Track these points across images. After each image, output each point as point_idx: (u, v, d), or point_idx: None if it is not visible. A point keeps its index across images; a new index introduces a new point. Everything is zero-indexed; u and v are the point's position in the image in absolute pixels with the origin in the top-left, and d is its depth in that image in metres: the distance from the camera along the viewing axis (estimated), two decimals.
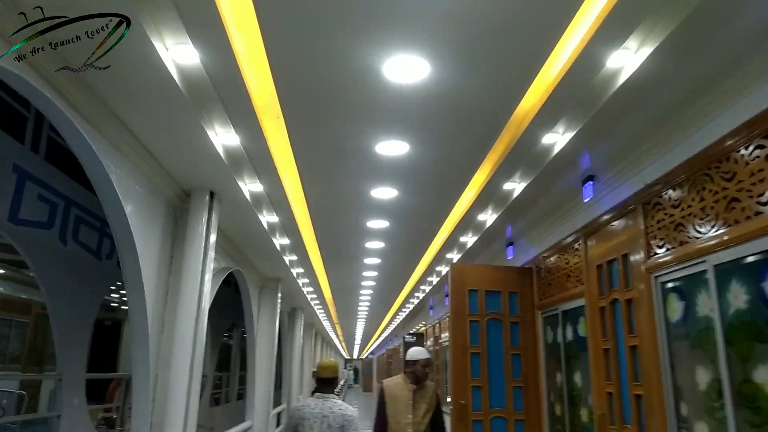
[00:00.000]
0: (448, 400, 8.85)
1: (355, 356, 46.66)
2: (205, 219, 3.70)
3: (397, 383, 4.01)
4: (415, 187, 4.29)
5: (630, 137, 3.10)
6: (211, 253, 3.78)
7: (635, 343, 3.27)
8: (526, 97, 2.88)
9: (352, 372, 43.72)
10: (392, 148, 3.51)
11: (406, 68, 2.58)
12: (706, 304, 2.68)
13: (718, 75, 2.47)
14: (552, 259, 4.68)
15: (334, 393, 3.99)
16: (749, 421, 2.35)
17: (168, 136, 3.04)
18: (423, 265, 7.38)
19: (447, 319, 9.54)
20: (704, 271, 2.68)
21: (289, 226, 5.11)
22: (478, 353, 4.83)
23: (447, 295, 9.41)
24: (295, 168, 3.89)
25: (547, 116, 2.99)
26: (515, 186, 4.05)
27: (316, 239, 5.89)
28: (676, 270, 2.91)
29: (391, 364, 23.06)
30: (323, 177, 4.12)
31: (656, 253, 3.09)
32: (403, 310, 12.86)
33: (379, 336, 23.61)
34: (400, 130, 3.32)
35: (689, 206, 2.83)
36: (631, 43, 2.34)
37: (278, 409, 8.67)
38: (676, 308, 2.95)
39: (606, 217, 3.62)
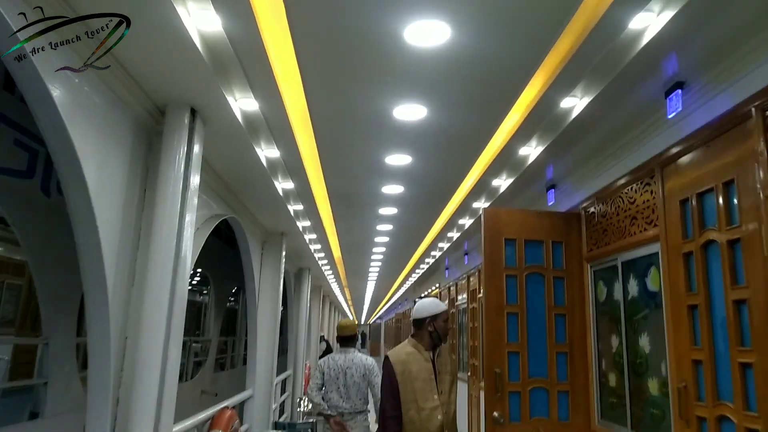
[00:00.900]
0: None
1: (362, 321, 46.57)
2: (184, 144, 2.91)
3: (409, 353, 3.25)
4: (447, 107, 3.47)
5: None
6: (194, 187, 3.00)
7: (743, 296, 2.49)
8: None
9: (359, 336, 43.65)
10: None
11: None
12: None
13: None
14: (608, 200, 3.89)
15: (354, 347, 4.81)
16: None
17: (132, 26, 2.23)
18: (444, 218, 6.61)
19: (465, 280, 8.85)
20: None
21: (293, 164, 4.32)
22: (515, 313, 4.10)
23: (466, 253, 8.68)
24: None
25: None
26: (575, 103, 3.22)
27: (325, 184, 5.11)
28: None
29: (400, 329, 22.63)
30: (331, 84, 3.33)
31: None
32: (416, 272, 12.16)
33: (388, 300, 23.09)
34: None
35: None
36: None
37: (282, 376, 8.06)
38: None
39: (696, 137, 2.81)
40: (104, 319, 2.46)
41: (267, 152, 3.97)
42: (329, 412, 4.63)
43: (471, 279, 8.55)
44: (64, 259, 5.20)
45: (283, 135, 3.71)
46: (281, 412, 9.14)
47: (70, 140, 2.18)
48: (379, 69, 2.94)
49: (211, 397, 13.77)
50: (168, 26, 2.23)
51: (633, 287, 3.56)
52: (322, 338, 14.62)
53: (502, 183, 4.85)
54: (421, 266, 10.83)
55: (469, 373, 8.32)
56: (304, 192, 5.10)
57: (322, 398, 4.68)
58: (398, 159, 4.39)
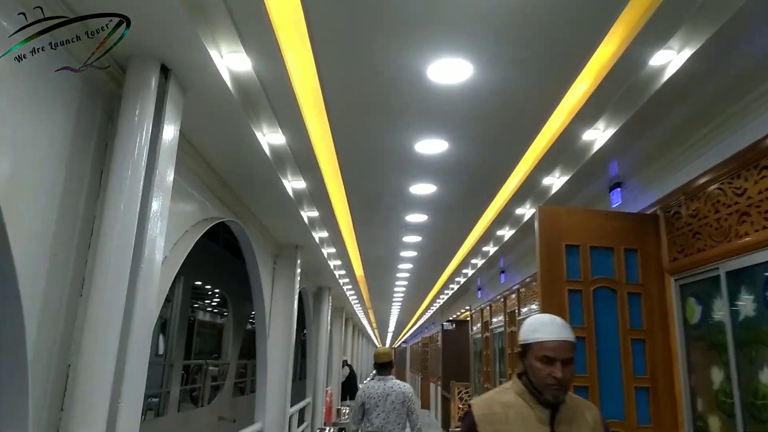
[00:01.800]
0: None
1: (387, 345, 45.48)
2: (149, 112, 2.19)
3: (507, 405, 1.93)
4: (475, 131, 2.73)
5: None
6: (163, 168, 2.27)
7: None
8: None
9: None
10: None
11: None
12: None
13: None
14: (700, 195, 3.05)
15: (391, 374, 4.91)
16: None
17: None
18: (479, 229, 5.80)
19: (501, 301, 7.97)
20: None
21: (303, 155, 3.59)
22: (581, 338, 3.24)
23: (503, 271, 7.82)
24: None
25: None
26: (670, 58, 2.42)
27: (344, 184, 4.37)
28: None
29: (427, 353, 21.59)
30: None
31: None
32: (445, 292, 11.28)
33: (414, 323, 22.14)
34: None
35: None
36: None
37: (300, 405, 7.24)
38: None
39: None
40: (18, 339, 1.71)
41: (270, 137, 3.25)
42: None
43: (507, 301, 7.67)
44: None
45: (289, 114, 2.99)
46: None
47: None
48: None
49: (230, 423, 13.02)
50: None
51: (747, 305, 2.69)
52: (345, 363, 13.75)
53: (555, 181, 4.03)
54: (451, 286, 9.97)
55: None
56: (318, 193, 4.36)
57: (364, 419, 4.75)
58: (434, 145, 3.63)
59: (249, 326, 16.05)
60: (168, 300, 15.79)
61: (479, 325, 9.89)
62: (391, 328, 27.02)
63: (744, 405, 2.65)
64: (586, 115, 3.00)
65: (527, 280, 6.68)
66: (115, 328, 1.96)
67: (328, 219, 5.13)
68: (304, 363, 9.24)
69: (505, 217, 5.11)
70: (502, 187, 4.41)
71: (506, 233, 5.61)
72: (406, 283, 9.70)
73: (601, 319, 3.29)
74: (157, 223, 2.22)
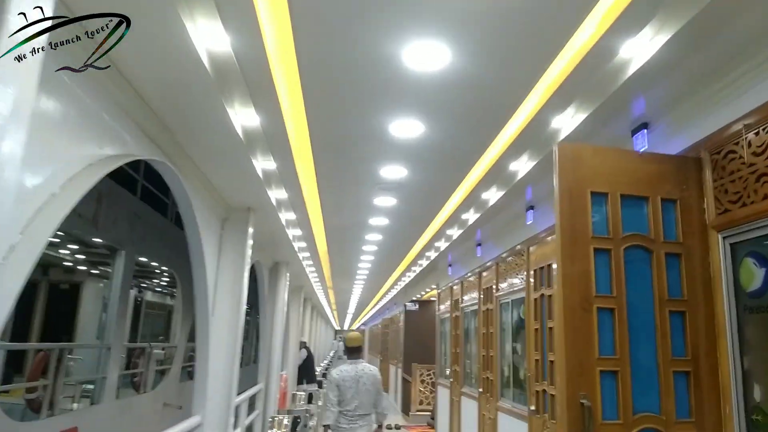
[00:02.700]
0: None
1: (345, 327, 44.91)
2: None
3: None
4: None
5: None
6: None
7: None
8: None
9: (342, 343, 42.03)
10: None
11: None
12: None
13: None
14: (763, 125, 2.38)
15: (361, 357, 5.32)
16: None
17: None
18: (462, 191, 5.08)
19: (476, 276, 7.32)
20: None
21: (258, 73, 2.73)
22: (610, 310, 2.56)
23: (479, 244, 7.16)
24: None
25: None
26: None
27: (309, 129, 3.55)
28: None
29: (387, 335, 21.02)
30: None
31: None
32: (411, 271, 10.58)
33: (375, 304, 21.49)
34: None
35: None
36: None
37: (250, 392, 6.42)
38: None
39: None
40: None
41: (210, 42, 2.39)
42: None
43: (483, 276, 7.03)
44: None
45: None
46: None
47: None
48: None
49: (176, 409, 12.04)
50: None
51: None
52: (302, 344, 12.90)
53: (569, 121, 3.31)
54: (419, 262, 9.28)
55: (480, 390, 6.78)
56: (276, 136, 3.51)
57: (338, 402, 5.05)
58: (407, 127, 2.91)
59: None
60: (105, 277, 14.57)
61: (448, 303, 9.27)
62: (351, 309, 26.33)
63: None
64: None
65: (504, 255, 6.03)
66: None
67: (288, 173, 4.29)
68: (258, 346, 8.42)
69: (494, 175, 4.39)
70: (495, 138, 3.71)
71: (492, 196, 4.91)
72: (372, 258, 8.94)
73: (632, 287, 2.61)
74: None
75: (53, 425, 7.80)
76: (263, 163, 3.96)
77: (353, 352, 5.33)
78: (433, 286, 11.04)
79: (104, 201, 9.31)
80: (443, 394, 9.29)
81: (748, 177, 2.46)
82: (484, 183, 4.58)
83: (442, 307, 9.99)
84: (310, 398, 10.34)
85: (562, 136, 3.31)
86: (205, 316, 4.30)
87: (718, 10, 2.12)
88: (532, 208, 5.08)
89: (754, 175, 2.43)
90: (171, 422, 3.90)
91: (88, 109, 2.31)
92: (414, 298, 15.41)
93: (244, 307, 4.87)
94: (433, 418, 12.30)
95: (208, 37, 2.36)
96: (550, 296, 4.70)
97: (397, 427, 12.79)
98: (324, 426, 5.25)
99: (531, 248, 5.21)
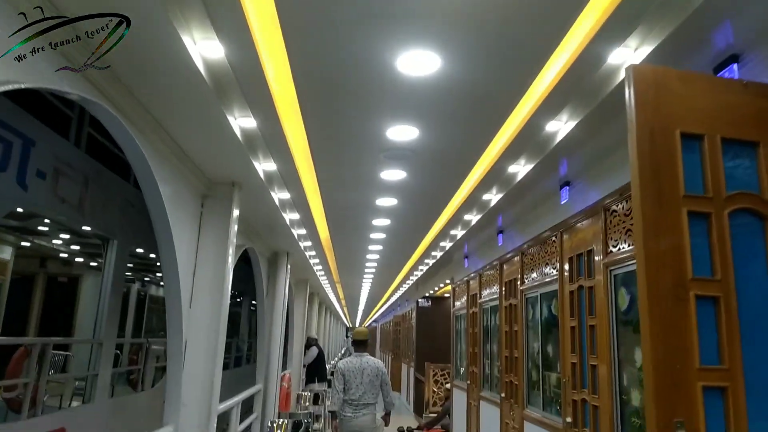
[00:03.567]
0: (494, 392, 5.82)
1: (357, 324, 44.30)
2: None
3: None
4: None
5: None
6: None
7: None
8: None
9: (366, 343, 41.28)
10: None
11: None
12: None
13: None
14: None
15: (366, 351, 5.84)
16: None
17: None
18: (471, 181, 4.31)
19: (496, 268, 6.54)
20: None
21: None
22: (713, 299, 1.79)
23: (501, 232, 6.36)
24: None
25: None
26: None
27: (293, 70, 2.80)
28: None
29: (398, 332, 20.27)
30: None
31: None
32: (424, 264, 9.79)
33: (386, 301, 20.75)
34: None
35: None
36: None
37: (241, 396, 5.72)
38: None
39: None
40: None
41: None
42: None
43: (506, 267, 6.25)
44: None
45: None
46: None
47: None
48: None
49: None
50: None
51: None
52: (314, 342, 12.07)
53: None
54: (433, 254, 8.51)
55: (503, 395, 6.01)
56: (255, 79, 2.76)
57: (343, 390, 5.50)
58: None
59: None
60: (97, 269, 13.95)
61: (464, 299, 8.49)
62: (362, 306, 25.62)
63: None
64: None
65: (530, 243, 5.25)
66: None
67: (274, 137, 3.54)
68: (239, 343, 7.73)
69: (522, 142, 3.61)
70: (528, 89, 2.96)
71: (520, 170, 4.12)
72: (380, 248, 8.18)
73: (741, 264, 1.83)
74: None
75: (37, 426, 7.16)
76: (242, 121, 3.21)
77: (359, 345, 5.86)
78: (447, 281, 10.26)
79: (91, 185, 8.63)
80: (459, 397, 8.52)
81: None
82: (511, 152, 3.80)
83: (457, 303, 9.22)
84: (316, 399, 9.56)
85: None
86: (176, 308, 3.58)
87: None
88: (567, 184, 4.29)
89: None
90: None
91: None
92: (426, 294, 14.64)
93: (228, 298, 4.15)
94: (430, 426, 11.46)
95: None
96: (591, 288, 3.92)
97: (410, 430, 12.03)
98: (330, 412, 5.94)
99: (565, 233, 4.43)
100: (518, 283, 5.66)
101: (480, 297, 7.44)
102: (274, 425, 6.76)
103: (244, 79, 2.74)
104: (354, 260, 10.02)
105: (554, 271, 4.65)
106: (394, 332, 21.70)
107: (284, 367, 9.89)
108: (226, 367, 17.88)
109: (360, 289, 16.93)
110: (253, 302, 20.60)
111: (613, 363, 3.53)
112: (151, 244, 11.96)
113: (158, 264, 16.56)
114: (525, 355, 5.42)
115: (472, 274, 7.87)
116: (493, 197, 4.82)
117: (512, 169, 4.09)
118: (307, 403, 9.29)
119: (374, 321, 36.19)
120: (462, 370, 8.70)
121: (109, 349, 9.56)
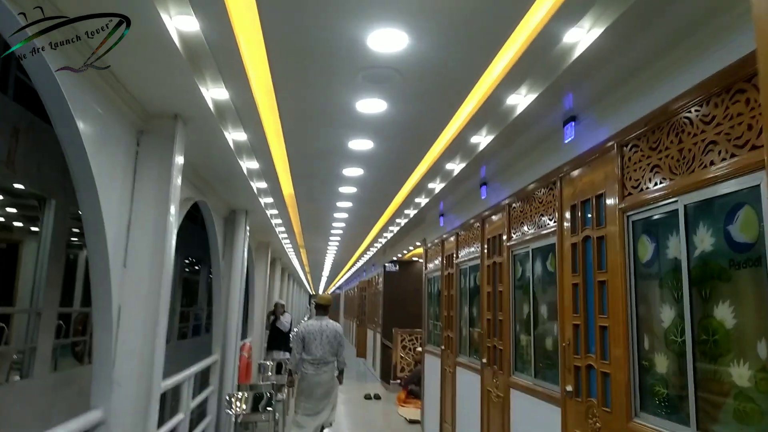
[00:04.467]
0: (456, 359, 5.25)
1: (320, 291, 43.85)
2: None
3: None
4: None
5: None
6: None
7: None
8: None
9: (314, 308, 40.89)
10: None
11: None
12: None
13: None
14: None
15: (326, 315, 6.57)
16: None
17: None
18: (469, 107, 3.67)
19: (478, 222, 6.00)
20: None
21: None
22: None
23: (484, 184, 5.77)
24: None
25: None
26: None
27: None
28: None
29: (364, 298, 19.84)
30: None
31: None
32: (395, 224, 9.21)
33: (351, 267, 20.21)
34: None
35: None
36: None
37: (193, 369, 5.07)
38: None
39: None
40: None
41: None
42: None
43: (488, 223, 5.71)
44: None
45: None
46: (200, 416, 6.20)
47: None
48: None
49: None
50: None
51: None
52: (282, 308, 11.27)
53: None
54: (406, 212, 7.91)
55: (484, 360, 5.54)
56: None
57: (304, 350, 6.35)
58: None
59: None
60: (35, 232, 12.89)
61: (438, 260, 7.96)
62: (326, 272, 25.04)
63: None
64: None
65: (517, 195, 4.70)
66: None
67: (225, 48, 2.80)
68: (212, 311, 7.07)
69: (525, 66, 2.98)
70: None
71: (520, 101, 3.51)
72: (350, 205, 7.52)
73: None
74: None
75: None
76: (180, 22, 2.47)
77: (321, 309, 6.59)
78: (418, 243, 9.72)
79: (22, 137, 7.63)
80: (432, 363, 8.08)
81: None
82: (509, 81, 3.16)
83: (430, 265, 8.71)
84: (279, 368, 8.95)
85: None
86: (103, 268, 2.86)
87: None
88: (573, 119, 3.71)
89: None
90: None
91: None
92: (394, 258, 14.14)
93: (172, 256, 3.45)
94: (407, 384, 11.16)
95: None
96: (600, 238, 3.38)
97: (377, 397, 11.65)
98: (288, 370, 6.76)
99: (566, 177, 3.88)
100: (504, 239, 5.13)
101: (457, 257, 6.92)
102: (233, 399, 6.15)
103: None
104: (320, 221, 9.34)
105: (551, 223, 4.11)
106: (359, 298, 21.25)
107: (244, 335, 9.23)
108: (183, 336, 17.17)
109: (325, 255, 16.31)
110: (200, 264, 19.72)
111: (630, 323, 3.03)
112: None
113: None
114: (512, 318, 4.92)
115: (448, 234, 7.33)
116: (482, 140, 4.21)
117: (511, 100, 3.46)
118: (270, 373, 8.70)
119: (338, 288, 35.76)
120: (434, 334, 8.25)
121: (50, 319, 8.70)
